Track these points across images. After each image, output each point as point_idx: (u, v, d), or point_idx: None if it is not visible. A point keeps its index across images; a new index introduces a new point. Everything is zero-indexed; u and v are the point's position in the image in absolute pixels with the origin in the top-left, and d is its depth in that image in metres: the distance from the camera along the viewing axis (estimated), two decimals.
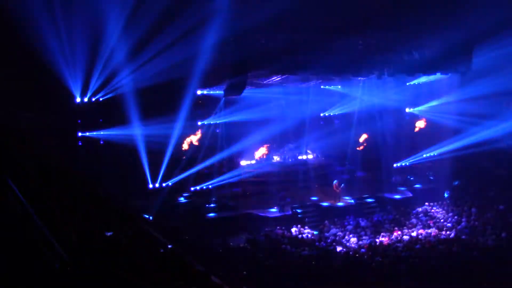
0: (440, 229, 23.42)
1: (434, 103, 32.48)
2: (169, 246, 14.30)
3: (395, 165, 31.11)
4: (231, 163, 29.45)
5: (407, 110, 34.08)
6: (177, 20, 22.48)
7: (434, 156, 31.29)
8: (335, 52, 25.18)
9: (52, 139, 21.48)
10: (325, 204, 26.48)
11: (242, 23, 23.01)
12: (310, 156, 31.09)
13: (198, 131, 28.06)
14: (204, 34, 23.29)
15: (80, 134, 25.69)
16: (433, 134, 31.66)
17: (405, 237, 22.40)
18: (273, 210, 25.26)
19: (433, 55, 27.01)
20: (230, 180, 27.65)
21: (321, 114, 32.69)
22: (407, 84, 33.27)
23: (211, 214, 24.71)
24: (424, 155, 31.42)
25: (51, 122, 24.49)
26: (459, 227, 23.41)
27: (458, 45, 26.45)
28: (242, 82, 26.00)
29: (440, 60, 27.49)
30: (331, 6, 23.86)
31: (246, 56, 23.97)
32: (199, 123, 28.63)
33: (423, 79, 32.16)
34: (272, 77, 27.43)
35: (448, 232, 22.94)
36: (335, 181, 27.28)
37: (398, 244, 21.69)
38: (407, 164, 31.25)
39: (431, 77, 31.01)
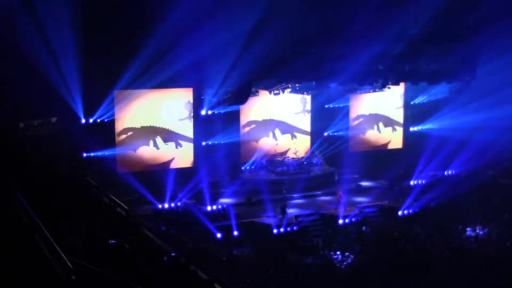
0: (445, 238, 23.34)
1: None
2: (173, 254, 14.28)
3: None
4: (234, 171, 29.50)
5: (411, 129, 34.02)
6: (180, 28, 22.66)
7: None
8: (340, 61, 25.24)
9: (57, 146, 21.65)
10: (328, 212, 26.40)
11: (247, 32, 23.18)
12: (314, 165, 31.08)
13: None
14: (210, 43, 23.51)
15: (85, 154, 25.73)
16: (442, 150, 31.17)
17: (410, 246, 22.33)
18: (277, 218, 25.21)
19: (438, 65, 27.05)
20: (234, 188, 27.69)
21: (325, 134, 32.49)
22: (411, 103, 33.38)
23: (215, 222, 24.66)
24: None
25: (57, 129, 24.74)
26: (464, 236, 23.34)
27: (463, 55, 26.51)
28: (247, 90, 26.09)
29: (445, 69, 27.54)
30: (337, 15, 23.99)
31: (251, 65, 24.05)
32: (203, 143, 28.62)
33: (425, 97, 32.38)
34: (276, 86, 27.48)
35: (453, 241, 22.87)
36: (339, 190, 27.24)
37: (403, 253, 21.63)
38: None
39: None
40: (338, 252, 22.14)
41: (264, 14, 22.79)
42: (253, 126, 30.45)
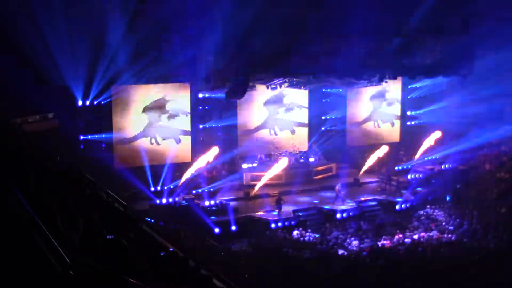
0: (442, 232, 23.39)
1: (435, 106, 32.52)
2: (171, 249, 14.28)
3: (396, 167, 30.99)
4: (232, 166, 29.52)
5: (409, 113, 34.12)
6: (179, 23, 22.59)
7: (436, 159, 31.18)
8: (337, 55, 25.25)
9: (55, 142, 21.55)
10: (326, 207, 26.44)
11: (244, 26, 23.14)
12: (312, 159, 31.11)
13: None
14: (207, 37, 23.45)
15: (82, 137, 25.67)
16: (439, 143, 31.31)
17: (407, 240, 22.37)
18: (275, 213, 25.25)
19: (435, 59, 27.04)
20: (231, 183, 27.69)
21: (323, 118, 32.67)
22: (409, 87, 33.36)
23: (212, 217, 24.67)
24: (426, 158, 31.31)
25: (54, 125, 24.63)
26: (460, 230, 23.38)
27: (460, 49, 26.47)
28: (244, 85, 26.09)
29: (442, 63, 27.53)
30: (334, 10, 23.96)
31: (248, 59, 24.03)
32: (201, 126, 28.64)
33: (424, 82, 32.23)
34: (274, 80, 27.47)
35: (449, 235, 22.92)
36: (337, 185, 27.27)
37: (400, 247, 21.68)
38: (409, 167, 31.09)
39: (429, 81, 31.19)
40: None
41: (261, 8, 22.77)
42: (251, 121, 30.44)
